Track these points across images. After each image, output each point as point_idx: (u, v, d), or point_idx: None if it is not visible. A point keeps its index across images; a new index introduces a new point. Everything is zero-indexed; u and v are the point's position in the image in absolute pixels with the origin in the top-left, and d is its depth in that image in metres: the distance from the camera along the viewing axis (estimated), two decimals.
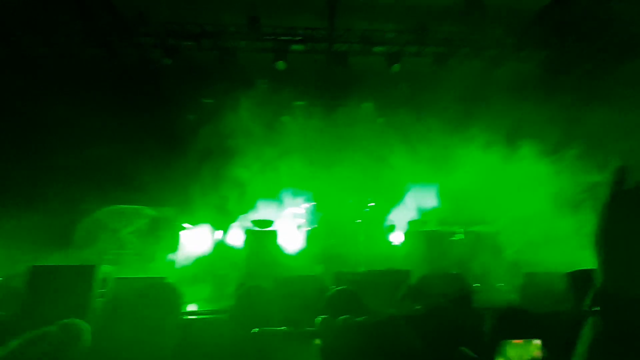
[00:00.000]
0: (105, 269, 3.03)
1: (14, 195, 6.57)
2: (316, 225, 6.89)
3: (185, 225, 5.99)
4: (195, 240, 5.81)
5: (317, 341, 1.63)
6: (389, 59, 7.77)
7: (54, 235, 5.44)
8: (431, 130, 6.99)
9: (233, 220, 6.47)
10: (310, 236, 6.71)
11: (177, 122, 8.44)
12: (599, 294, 0.58)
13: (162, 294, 1.65)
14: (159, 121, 8.17)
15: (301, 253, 6.31)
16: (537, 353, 1.29)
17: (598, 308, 0.57)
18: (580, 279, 1.61)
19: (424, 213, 6.93)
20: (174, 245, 5.45)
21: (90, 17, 7.03)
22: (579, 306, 1.48)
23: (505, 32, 7.48)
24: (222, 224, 6.34)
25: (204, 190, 6.52)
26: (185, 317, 2.97)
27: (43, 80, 7.69)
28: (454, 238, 6.38)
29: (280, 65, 7.48)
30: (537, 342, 1.29)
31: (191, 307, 3.83)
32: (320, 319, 1.63)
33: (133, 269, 4.92)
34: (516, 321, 1.52)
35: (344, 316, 1.61)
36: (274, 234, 5.91)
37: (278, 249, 5.88)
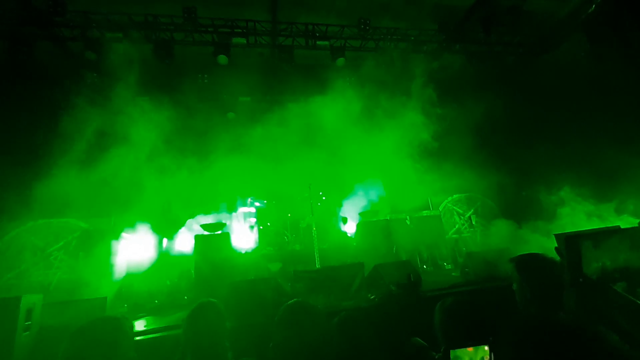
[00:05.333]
0: (31, 299, 2.63)
1: None
2: (269, 224, 6.80)
3: (124, 234, 5.46)
4: (137, 250, 5.36)
5: None
6: (334, 52, 7.80)
7: None
8: (379, 122, 7.24)
9: (181, 226, 6.08)
10: (264, 235, 6.61)
11: (109, 122, 7.64)
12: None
13: (105, 333, 1.45)
14: (88, 122, 7.32)
15: (256, 253, 6.19)
16: (487, 358, 1.38)
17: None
18: (523, 263, 1.78)
19: (373, 204, 7.18)
20: (110, 259, 4.92)
21: None
22: (523, 288, 1.65)
23: (440, 27, 7.90)
24: (168, 231, 5.92)
25: (145, 196, 6.03)
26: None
27: None
28: (402, 225, 6.74)
29: (222, 59, 7.09)
30: (486, 348, 1.37)
31: (139, 324, 3.55)
32: None
33: (64, 290, 4.38)
34: (463, 316, 1.63)
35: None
36: (226, 236, 5.69)
37: (232, 251, 5.69)
